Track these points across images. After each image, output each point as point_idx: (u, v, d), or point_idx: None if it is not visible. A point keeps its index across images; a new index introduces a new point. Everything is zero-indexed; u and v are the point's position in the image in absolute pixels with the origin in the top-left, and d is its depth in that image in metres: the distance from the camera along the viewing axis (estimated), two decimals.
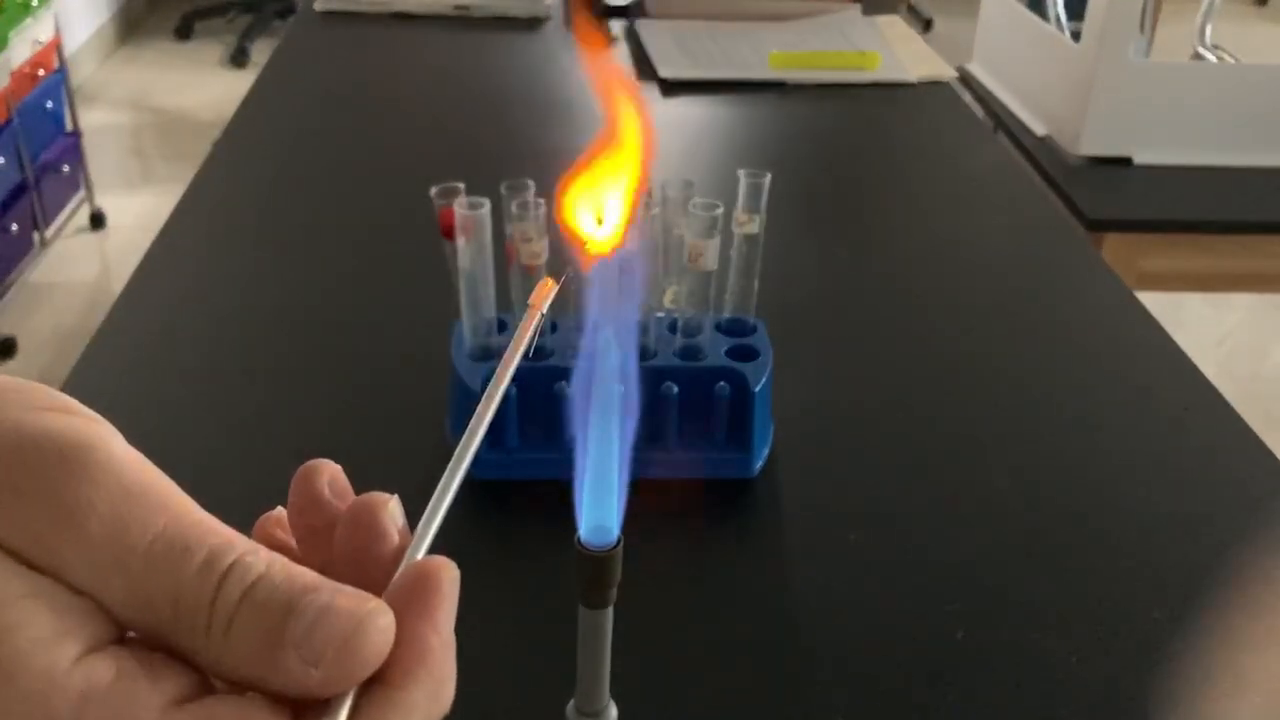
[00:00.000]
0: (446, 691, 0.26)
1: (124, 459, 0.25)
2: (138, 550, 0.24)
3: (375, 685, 0.25)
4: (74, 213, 2.66)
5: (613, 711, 0.39)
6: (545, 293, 0.32)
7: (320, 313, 0.83)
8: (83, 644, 0.23)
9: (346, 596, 0.24)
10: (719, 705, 0.53)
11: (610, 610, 0.35)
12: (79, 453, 0.24)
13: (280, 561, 0.25)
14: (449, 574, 0.26)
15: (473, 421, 0.29)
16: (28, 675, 0.22)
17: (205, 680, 0.25)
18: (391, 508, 0.28)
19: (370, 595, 0.25)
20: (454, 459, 0.29)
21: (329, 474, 0.29)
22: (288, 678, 0.24)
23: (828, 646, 0.56)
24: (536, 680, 0.50)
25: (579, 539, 0.33)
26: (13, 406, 0.25)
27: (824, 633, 0.56)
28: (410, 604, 0.25)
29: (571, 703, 0.38)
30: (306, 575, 0.25)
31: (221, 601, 0.24)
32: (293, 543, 0.30)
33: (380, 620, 0.24)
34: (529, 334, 0.31)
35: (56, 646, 0.23)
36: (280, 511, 0.31)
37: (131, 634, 0.25)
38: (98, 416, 0.26)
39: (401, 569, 0.27)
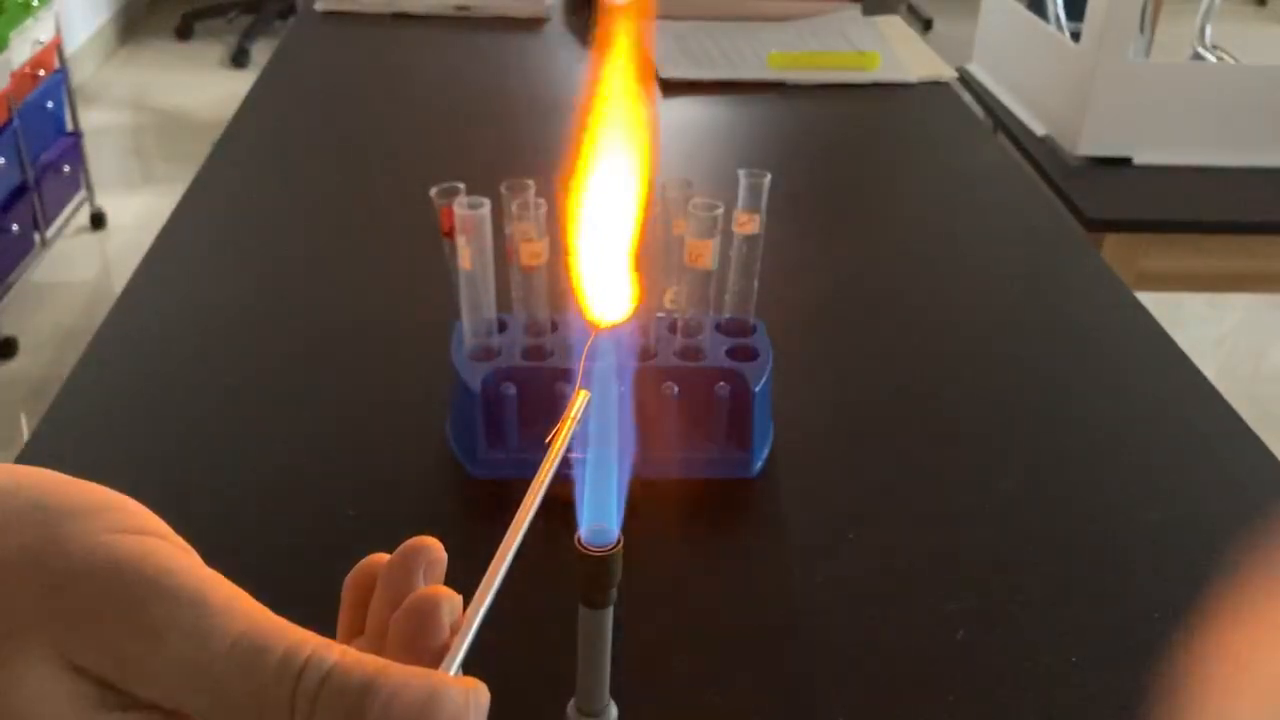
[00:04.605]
0: None
1: (201, 578, 0.27)
2: (219, 654, 0.26)
3: None
4: (74, 213, 2.66)
5: (613, 711, 0.39)
6: (574, 406, 0.32)
7: (320, 312, 0.83)
8: None
9: (417, 674, 0.26)
10: (719, 705, 0.53)
11: (610, 610, 0.35)
12: (158, 576, 0.26)
13: (350, 651, 0.27)
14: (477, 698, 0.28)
15: (502, 546, 0.30)
16: None
17: None
18: (453, 605, 0.29)
19: (439, 672, 0.27)
20: (486, 578, 0.30)
21: (435, 559, 0.31)
22: None
23: (828, 646, 0.56)
24: (536, 680, 0.50)
25: (579, 539, 0.33)
26: (98, 531, 0.27)
27: (824, 632, 0.56)
28: None
29: (571, 702, 0.38)
30: (376, 660, 0.27)
31: (302, 692, 0.26)
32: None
33: (452, 692, 0.26)
34: (555, 460, 0.32)
35: None
36: None
37: None
38: (177, 538, 0.28)
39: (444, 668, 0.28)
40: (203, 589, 0.26)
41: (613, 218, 0.33)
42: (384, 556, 0.31)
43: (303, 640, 0.26)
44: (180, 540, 0.28)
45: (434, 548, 0.31)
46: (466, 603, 0.29)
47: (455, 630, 0.29)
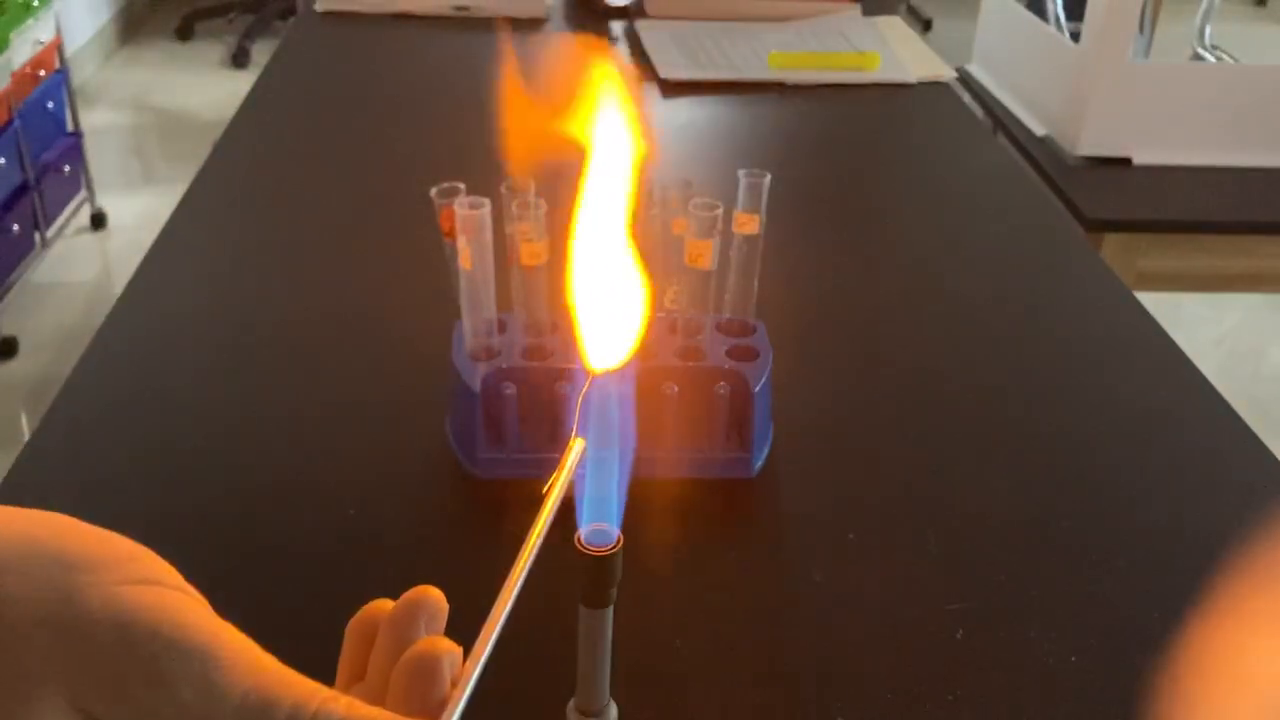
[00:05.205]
0: None
1: (212, 630, 0.28)
2: (228, 708, 0.26)
3: None
4: (75, 213, 2.65)
5: (613, 711, 0.39)
6: (569, 454, 0.32)
7: (321, 312, 0.83)
8: None
9: None
10: (718, 705, 0.53)
11: (610, 610, 0.35)
12: (171, 630, 0.27)
13: (356, 704, 0.28)
14: None
15: (499, 600, 0.31)
16: None
17: None
18: (453, 658, 0.30)
19: None
20: (484, 630, 0.30)
21: (437, 610, 0.31)
22: None
23: (827, 646, 0.56)
24: (536, 680, 0.50)
25: (579, 539, 0.33)
26: (113, 583, 0.27)
27: (823, 632, 0.56)
28: None
29: (571, 702, 0.39)
30: (381, 713, 0.27)
31: None
32: None
33: None
34: (552, 508, 0.32)
35: None
36: None
37: None
38: (189, 588, 0.29)
39: None
40: (213, 642, 0.27)
41: (609, 239, 0.33)
42: (387, 603, 0.32)
43: (310, 693, 0.27)
44: (192, 590, 0.29)
45: (436, 599, 0.31)
46: (467, 628, 0.30)
47: (455, 682, 0.29)
